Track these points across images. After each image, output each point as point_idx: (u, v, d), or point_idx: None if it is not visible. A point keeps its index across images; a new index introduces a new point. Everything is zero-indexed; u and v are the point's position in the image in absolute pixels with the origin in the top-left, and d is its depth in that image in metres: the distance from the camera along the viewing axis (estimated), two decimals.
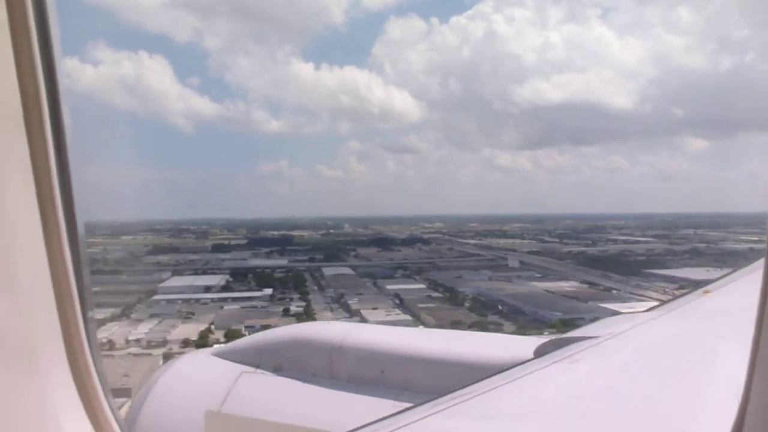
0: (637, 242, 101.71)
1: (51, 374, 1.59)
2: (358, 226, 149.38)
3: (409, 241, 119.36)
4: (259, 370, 3.86)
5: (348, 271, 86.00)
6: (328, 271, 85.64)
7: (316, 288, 75.17)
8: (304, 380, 3.69)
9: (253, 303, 67.42)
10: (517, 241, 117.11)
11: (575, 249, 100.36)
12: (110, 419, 1.72)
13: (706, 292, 4.49)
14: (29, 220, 1.53)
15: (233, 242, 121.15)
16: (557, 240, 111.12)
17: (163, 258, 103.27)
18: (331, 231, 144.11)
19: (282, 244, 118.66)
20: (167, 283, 77.81)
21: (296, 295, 71.21)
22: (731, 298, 4.25)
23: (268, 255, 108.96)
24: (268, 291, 72.40)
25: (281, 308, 64.16)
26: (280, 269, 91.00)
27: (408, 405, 2.80)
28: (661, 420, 2.18)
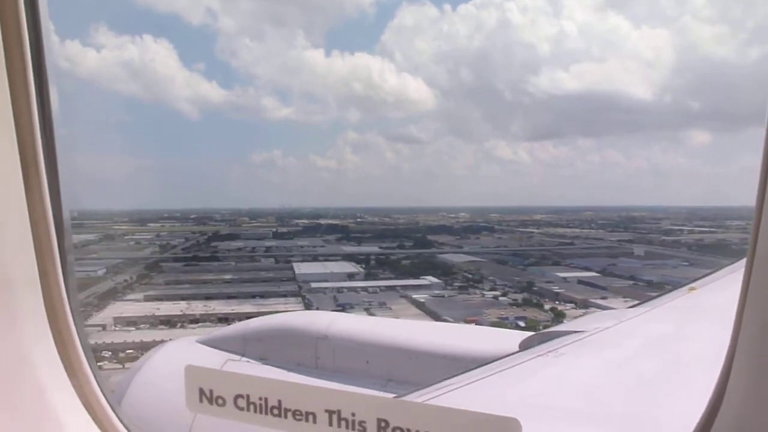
0: (712, 232, 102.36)
1: (43, 371, 1.63)
2: (380, 216, 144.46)
3: (474, 229, 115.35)
4: (244, 359, 3.77)
5: (473, 258, 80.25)
6: (455, 258, 79.60)
7: (470, 275, 69.14)
8: (290, 369, 3.60)
9: (435, 292, 60.68)
10: (578, 230, 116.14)
11: (666, 238, 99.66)
12: (108, 411, 1.77)
13: (692, 289, 4.59)
14: (18, 217, 1.55)
15: (281, 230, 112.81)
16: (621, 230, 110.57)
17: (238, 244, 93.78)
18: (359, 220, 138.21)
19: (343, 232, 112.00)
20: (301, 270, 69.11)
21: (462, 284, 65.19)
22: (717, 295, 4.23)
23: (339, 241, 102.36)
24: (433, 279, 65.71)
25: (483, 297, 58.10)
26: (393, 256, 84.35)
27: (392, 395, 2.77)
28: (641, 413, 2.23)
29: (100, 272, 66.66)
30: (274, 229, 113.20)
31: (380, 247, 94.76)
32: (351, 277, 68.52)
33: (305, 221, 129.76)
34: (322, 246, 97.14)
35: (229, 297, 56.05)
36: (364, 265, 75.49)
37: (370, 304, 55.59)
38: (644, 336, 3.50)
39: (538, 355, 2.89)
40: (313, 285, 61.86)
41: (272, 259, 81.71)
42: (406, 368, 3.45)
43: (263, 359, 3.80)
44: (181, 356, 3.94)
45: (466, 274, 70.27)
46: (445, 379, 2.56)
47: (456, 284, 64.94)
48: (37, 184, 1.56)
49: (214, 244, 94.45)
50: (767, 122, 1.16)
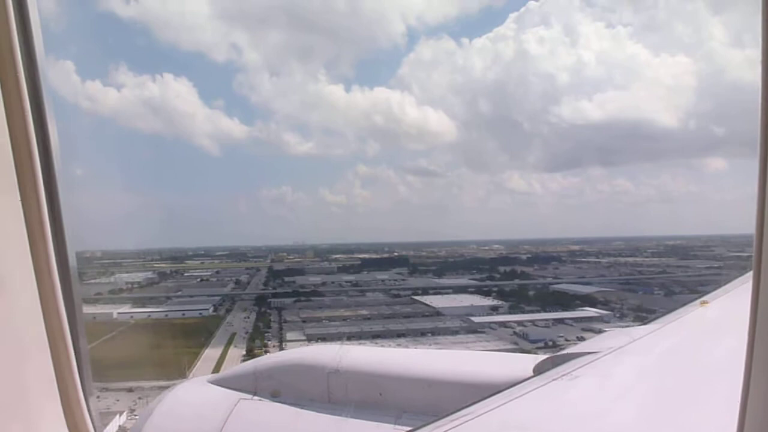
0: None
1: (44, 421, 1.65)
2: (414, 249, 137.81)
3: (543, 260, 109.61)
4: (256, 397, 3.79)
5: (596, 288, 73.30)
6: (578, 288, 72.44)
7: (624, 306, 62.11)
8: (303, 405, 3.62)
9: (618, 324, 52.95)
10: (645, 258, 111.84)
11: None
12: None
13: (704, 303, 4.52)
14: (21, 261, 1.56)
15: (340, 265, 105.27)
16: (692, 258, 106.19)
17: (316, 279, 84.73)
18: (395, 254, 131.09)
19: (406, 265, 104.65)
20: (437, 304, 60.58)
21: (630, 315, 57.94)
22: (729, 308, 4.21)
23: (413, 275, 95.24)
24: (598, 310, 58.26)
25: None
26: (506, 287, 77.04)
27: (408, 428, 2.75)
28: None
29: (210, 310, 56.69)
30: (337, 265, 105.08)
31: (471, 279, 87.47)
32: (494, 310, 60.29)
33: (343, 256, 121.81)
34: (404, 279, 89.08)
35: (399, 335, 47.06)
36: (490, 298, 67.56)
37: (566, 340, 47.40)
38: (660, 353, 3.43)
39: (553, 379, 2.85)
40: (475, 320, 53.34)
41: (379, 294, 72.84)
42: (421, 398, 3.36)
43: (275, 396, 3.72)
44: (193, 397, 3.87)
45: (615, 305, 63.27)
46: (462, 408, 2.49)
47: (627, 316, 57.60)
48: (50, 286, 1.57)
49: (288, 279, 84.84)
50: (760, 131, 1.14)
